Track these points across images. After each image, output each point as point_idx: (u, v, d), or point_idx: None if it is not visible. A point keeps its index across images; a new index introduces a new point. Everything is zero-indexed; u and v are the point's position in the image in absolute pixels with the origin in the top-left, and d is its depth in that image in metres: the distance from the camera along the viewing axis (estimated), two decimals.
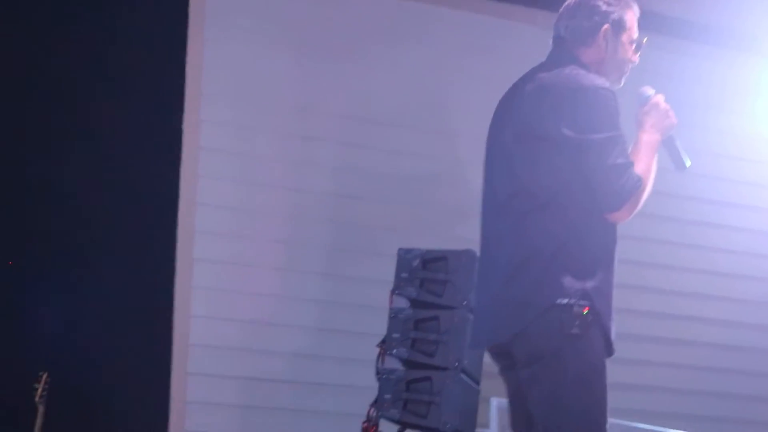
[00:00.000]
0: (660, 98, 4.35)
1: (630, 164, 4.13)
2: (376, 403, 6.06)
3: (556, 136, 4.08)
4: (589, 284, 4.07)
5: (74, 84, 7.67)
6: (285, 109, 7.72)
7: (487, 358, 5.00)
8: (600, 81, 4.20)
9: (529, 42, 7.04)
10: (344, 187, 7.68)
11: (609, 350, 4.18)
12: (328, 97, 7.76)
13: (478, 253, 5.02)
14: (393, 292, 6.19)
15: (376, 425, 6.06)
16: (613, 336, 4.13)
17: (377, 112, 7.74)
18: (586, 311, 4.00)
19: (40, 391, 7.01)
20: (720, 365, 8.13)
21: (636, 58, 4.51)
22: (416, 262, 6.25)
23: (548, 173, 4.17)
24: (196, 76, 7.53)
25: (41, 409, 7.00)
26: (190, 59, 7.55)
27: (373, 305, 6.54)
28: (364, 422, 6.04)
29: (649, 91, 4.36)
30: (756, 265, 8.42)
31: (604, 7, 4.39)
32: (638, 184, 4.09)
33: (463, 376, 6.10)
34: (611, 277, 4.25)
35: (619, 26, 4.39)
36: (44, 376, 7.01)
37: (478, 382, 6.30)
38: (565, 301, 3.98)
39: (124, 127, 7.59)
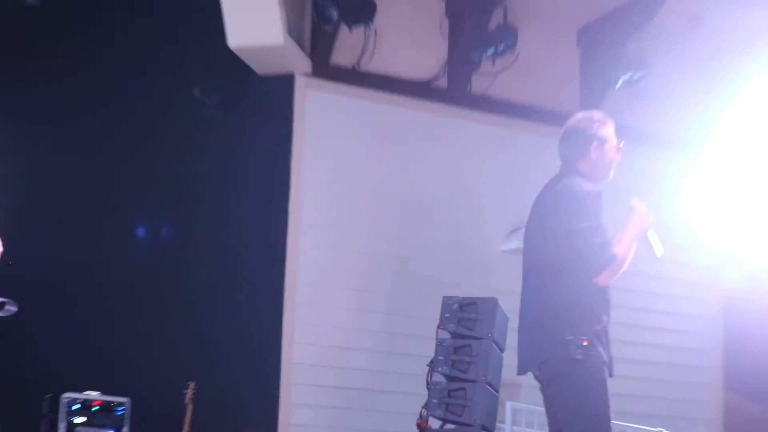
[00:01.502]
0: (641, 206, 5.24)
1: (606, 244, 5.06)
2: (426, 406, 7.20)
3: (556, 228, 5.12)
4: (585, 326, 5.05)
5: (218, 185, 9.47)
6: (362, 194, 9.17)
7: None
8: (588, 186, 5.20)
9: (528, 145, 9.13)
10: (403, 251, 9.16)
11: (610, 371, 5.17)
12: (391, 186, 9.18)
13: (499, 301, 6.78)
14: (438, 327, 7.31)
15: (426, 421, 7.21)
16: (607, 359, 5.08)
17: (426, 196, 9.25)
18: (585, 343, 4.99)
19: (189, 395, 8.67)
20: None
21: (618, 156, 5.43)
22: (455, 306, 7.31)
23: (555, 254, 5.17)
24: (298, 172, 9.03)
25: (189, 408, 8.69)
26: (295, 158, 9.06)
27: (424, 336, 7.63)
28: (418, 419, 7.29)
29: (635, 201, 5.25)
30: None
31: (589, 131, 5.38)
32: (612, 260, 5.02)
33: (487, 386, 7.13)
34: (606, 320, 5.19)
35: (602, 140, 5.35)
36: (192, 385, 8.65)
37: (497, 391, 7.36)
38: (570, 337, 4.99)
39: (245, 207, 9.30)
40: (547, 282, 5.24)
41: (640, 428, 8.31)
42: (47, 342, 8.81)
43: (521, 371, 5.67)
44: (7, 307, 5.69)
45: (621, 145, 5.38)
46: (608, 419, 5.07)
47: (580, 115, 5.56)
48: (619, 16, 9.48)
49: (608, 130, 5.39)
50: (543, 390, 5.37)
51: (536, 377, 5.39)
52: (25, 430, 9.09)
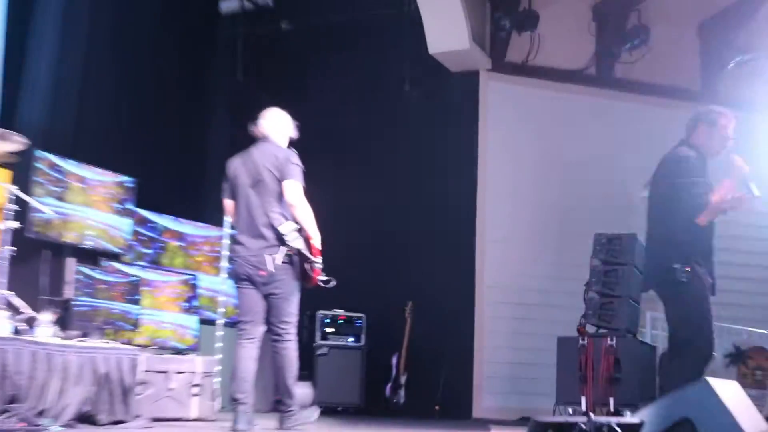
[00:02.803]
0: (739, 160, 5.61)
1: (703, 194, 5.48)
2: (584, 316, 7.94)
3: (667, 182, 5.75)
4: (689, 256, 5.49)
5: (424, 151, 10.40)
6: (532, 159, 10.39)
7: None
8: (691, 153, 5.68)
9: (659, 116, 9.85)
10: (565, 202, 10.21)
11: (712, 291, 5.57)
12: (555, 152, 10.36)
13: (638, 236, 7.31)
14: (592, 257, 8.07)
15: (584, 327, 7.79)
16: (709, 281, 5.51)
17: (581, 158, 10.25)
18: (688, 269, 5.44)
19: (408, 311, 9.94)
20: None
21: (728, 143, 5.75)
22: (604, 240, 8.05)
23: (665, 202, 5.73)
24: (483, 143, 10.34)
25: (409, 321, 9.99)
26: (480, 132, 10.37)
27: (581, 264, 8.21)
28: (578, 326, 7.83)
29: (735, 157, 5.64)
30: None
31: (702, 115, 5.84)
32: (704, 206, 5.45)
33: (630, 300, 7.85)
34: (709, 253, 5.62)
35: (711, 123, 5.78)
36: (410, 304, 9.93)
37: (638, 304, 8.09)
38: (676, 265, 5.45)
39: (443, 170, 10.37)
40: (661, 223, 5.76)
41: (751, 329, 9.11)
42: None
43: (644, 289, 6.58)
44: (331, 283, 6.32)
45: (754, 194, 5.60)
46: (709, 329, 5.50)
47: (705, 106, 6.01)
48: (732, 11, 10.16)
49: (721, 120, 5.77)
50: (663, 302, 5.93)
51: (656, 293, 6.00)
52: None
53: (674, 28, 10.48)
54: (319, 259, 6.26)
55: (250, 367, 6.14)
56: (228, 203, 6.46)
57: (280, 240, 6.10)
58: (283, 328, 6.21)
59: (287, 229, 6.10)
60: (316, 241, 6.25)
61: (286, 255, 6.11)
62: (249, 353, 6.17)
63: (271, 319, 6.23)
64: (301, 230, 6.15)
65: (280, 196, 6.16)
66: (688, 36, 10.57)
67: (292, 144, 6.51)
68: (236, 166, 6.39)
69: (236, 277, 6.37)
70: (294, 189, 6.12)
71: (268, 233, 6.11)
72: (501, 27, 10.35)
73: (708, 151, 5.69)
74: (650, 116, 10.24)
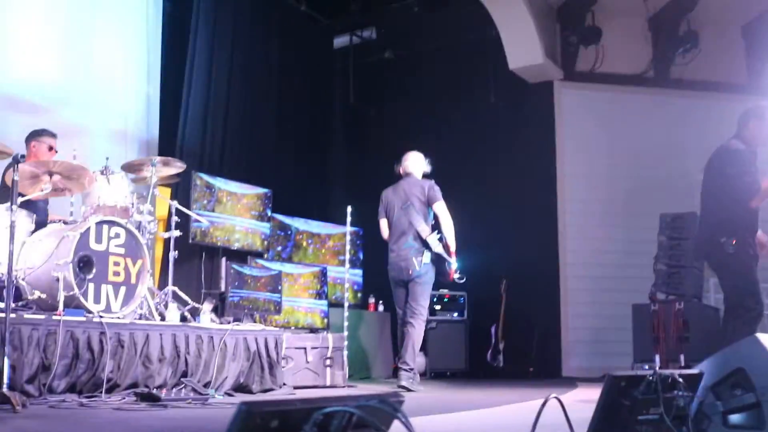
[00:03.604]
0: None
1: (754, 182, 5.38)
2: (654, 285, 8.15)
3: (719, 169, 5.63)
4: (735, 232, 5.41)
5: (514, 147, 10.15)
6: (601, 151, 10.42)
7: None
8: (740, 146, 5.53)
9: (711, 110, 9.69)
10: (634, 185, 10.06)
11: (755, 259, 5.45)
12: (621, 145, 10.27)
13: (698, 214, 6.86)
14: (659, 234, 8.26)
15: (655, 294, 8.08)
16: (752, 252, 5.41)
17: (644, 149, 10.16)
18: (734, 242, 5.38)
19: (503, 288, 9.88)
20: None
21: None
22: (669, 219, 8.28)
23: (717, 185, 5.64)
24: (560, 140, 10.37)
25: (504, 297, 9.96)
26: (557, 132, 10.39)
27: (651, 240, 8.37)
28: (649, 294, 8.09)
29: None
30: None
31: (752, 110, 5.67)
32: (757, 191, 5.35)
33: (694, 269, 7.93)
34: (755, 229, 5.52)
35: (760, 118, 5.61)
36: (504, 281, 9.89)
37: (702, 272, 8.00)
38: (723, 239, 5.41)
39: (526, 165, 10.20)
40: (713, 204, 5.69)
41: None
42: None
43: (697, 259, 6.82)
44: (462, 279, 7.04)
45: None
46: (755, 293, 5.38)
47: (756, 103, 5.85)
48: None
49: (766, 118, 5.62)
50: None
51: (708, 263, 6.10)
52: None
53: (720, 31, 10.32)
54: (454, 260, 7.08)
55: (408, 343, 7.05)
56: (383, 221, 7.48)
57: (426, 246, 7.07)
58: (417, 311, 7.11)
59: (432, 238, 7.07)
60: (453, 247, 7.12)
61: (429, 257, 7.09)
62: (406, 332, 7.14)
63: (409, 302, 7.16)
64: (441, 239, 7.09)
65: (425, 216, 7.20)
66: (733, 37, 10.33)
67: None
68: (389, 194, 7.47)
69: (391, 279, 7.37)
70: (443, 208, 7.18)
71: (415, 242, 7.11)
72: (569, 42, 10.38)
73: (759, 142, 5.57)
74: (703, 109, 10.14)
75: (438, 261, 7.13)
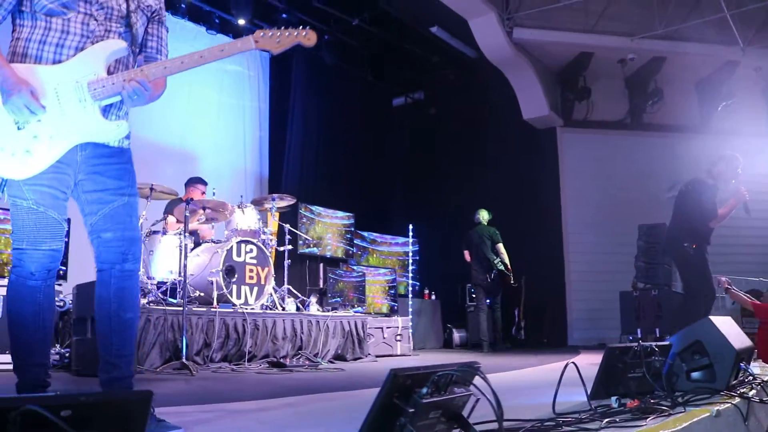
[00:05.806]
0: (743, 191, 5.18)
1: (714, 209, 5.16)
2: (635, 277, 8.20)
3: (693, 195, 5.28)
4: (698, 240, 5.22)
5: (527, 184, 9.93)
6: (596, 182, 10.09)
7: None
8: (709, 181, 5.26)
9: (674, 147, 9.07)
10: (620, 205, 9.80)
11: (706, 260, 5.18)
12: (608, 176, 10.00)
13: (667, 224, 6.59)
14: (638, 239, 8.24)
15: (636, 284, 8.10)
16: (705, 255, 5.17)
17: (626, 179, 9.90)
18: (695, 246, 5.20)
19: (522, 282, 9.57)
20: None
21: (737, 176, 5.22)
22: (645, 228, 8.22)
23: (693, 205, 5.28)
24: (563, 176, 10.12)
25: (524, 288, 9.74)
26: (561, 169, 10.17)
27: (631, 243, 8.36)
28: (632, 284, 8.12)
29: (739, 186, 5.22)
30: None
31: (720, 158, 5.33)
32: (715, 216, 5.16)
33: (665, 266, 7.94)
34: (708, 240, 5.28)
35: (726, 162, 5.29)
36: (524, 277, 9.56)
37: (671, 266, 7.77)
38: (686, 244, 5.22)
39: (537, 195, 10.06)
40: (681, 216, 5.46)
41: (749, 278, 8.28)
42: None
43: (665, 257, 6.70)
44: (516, 284, 7.89)
45: (748, 214, 5.20)
46: (710, 282, 5.23)
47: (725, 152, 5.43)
48: (719, 72, 9.81)
49: (734, 161, 5.30)
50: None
51: (673, 261, 5.91)
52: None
53: (679, 87, 10.22)
54: (510, 273, 8.48)
55: (482, 325, 8.40)
56: (467, 252, 8.68)
57: (493, 265, 8.48)
58: (496, 302, 8.67)
59: (497, 261, 8.45)
60: (508, 264, 8.47)
61: (496, 273, 8.47)
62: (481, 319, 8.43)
63: (488, 296, 8.54)
64: (502, 261, 8.48)
65: (492, 246, 8.55)
66: (689, 91, 10.26)
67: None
68: (471, 234, 8.66)
69: (473, 285, 8.69)
70: (501, 244, 8.55)
71: (488, 264, 8.46)
72: (567, 98, 10.23)
73: (723, 179, 5.29)
74: (668, 147, 10.00)
75: (501, 274, 8.56)
